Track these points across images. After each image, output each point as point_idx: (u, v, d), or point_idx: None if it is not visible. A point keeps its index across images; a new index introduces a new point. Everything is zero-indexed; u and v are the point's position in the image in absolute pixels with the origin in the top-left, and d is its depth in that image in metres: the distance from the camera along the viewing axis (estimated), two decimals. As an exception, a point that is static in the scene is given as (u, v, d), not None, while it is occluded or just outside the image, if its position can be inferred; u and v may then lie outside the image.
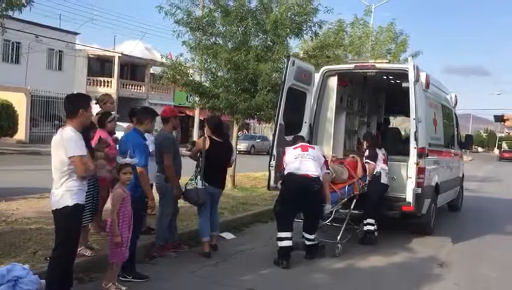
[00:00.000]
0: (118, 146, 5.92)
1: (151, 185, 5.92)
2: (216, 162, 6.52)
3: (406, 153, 7.83)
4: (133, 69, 40.23)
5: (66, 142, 4.15)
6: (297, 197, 6.56)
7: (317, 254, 6.75)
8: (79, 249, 4.96)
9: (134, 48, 37.14)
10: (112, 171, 6.08)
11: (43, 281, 4.45)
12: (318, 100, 8.81)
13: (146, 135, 5.68)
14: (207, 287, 5.51)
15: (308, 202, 6.60)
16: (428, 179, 8.14)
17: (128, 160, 4.95)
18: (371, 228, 7.70)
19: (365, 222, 7.74)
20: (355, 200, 7.65)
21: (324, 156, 7.19)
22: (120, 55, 36.64)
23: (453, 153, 10.80)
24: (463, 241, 8.57)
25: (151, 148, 5.96)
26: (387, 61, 10.41)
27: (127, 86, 37.67)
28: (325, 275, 6.23)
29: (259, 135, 41.43)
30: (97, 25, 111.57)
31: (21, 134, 27.11)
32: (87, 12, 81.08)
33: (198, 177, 6.35)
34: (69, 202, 4.18)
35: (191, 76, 12.55)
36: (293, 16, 11.32)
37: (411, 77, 7.64)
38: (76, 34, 33.78)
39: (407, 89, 7.71)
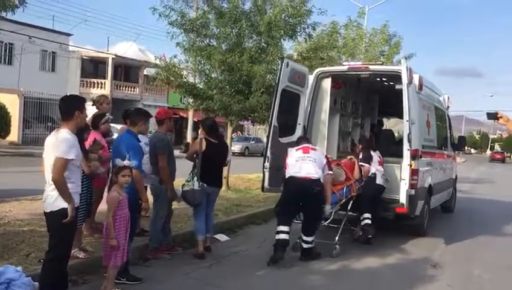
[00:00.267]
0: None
1: (146, 187, 5.91)
2: (212, 163, 6.60)
3: (400, 155, 7.86)
4: (126, 70, 40.10)
5: (59, 142, 4.12)
6: (298, 199, 6.70)
7: (312, 257, 6.76)
8: (72, 251, 4.93)
9: (128, 50, 37.12)
10: (105, 173, 6.08)
11: (36, 283, 4.43)
12: (312, 102, 8.82)
13: (140, 136, 5.67)
14: (201, 289, 5.50)
15: (308, 204, 6.68)
16: (422, 181, 8.17)
17: (127, 162, 4.95)
18: (368, 221, 7.66)
19: (361, 217, 7.73)
20: (351, 202, 7.68)
21: (327, 157, 7.23)
22: (114, 56, 36.53)
23: (446, 154, 10.85)
24: (456, 242, 8.61)
25: (145, 149, 5.95)
26: (380, 63, 10.46)
27: (121, 88, 37.55)
28: (319, 276, 6.24)
29: (253, 137, 41.45)
30: (91, 26, 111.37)
31: (14, 135, 26.96)
32: (81, 13, 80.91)
33: (195, 178, 6.38)
34: (63, 204, 4.14)
35: (185, 78, 12.54)
36: (287, 18, 11.35)
37: (404, 79, 7.67)
38: (69, 35, 33.65)
39: (401, 91, 7.74)
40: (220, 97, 11.26)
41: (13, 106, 26.70)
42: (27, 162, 16.88)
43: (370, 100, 11.73)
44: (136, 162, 5.06)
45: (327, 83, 9.02)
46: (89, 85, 35.43)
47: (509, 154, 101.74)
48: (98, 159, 5.90)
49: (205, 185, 6.46)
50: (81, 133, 5.00)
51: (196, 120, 32.62)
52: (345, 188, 7.57)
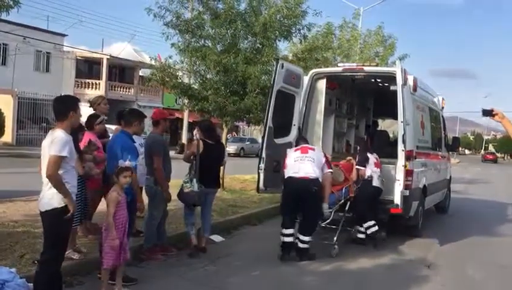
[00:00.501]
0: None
1: (141, 188, 5.91)
2: (210, 164, 6.67)
3: (394, 156, 7.89)
4: (121, 71, 39.98)
5: (54, 140, 4.13)
6: (297, 198, 6.80)
7: (307, 257, 6.77)
8: (67, 252, 4.92)
9: (123, 50, 36.90)
10: (100, 174, 6.06)
11: (31, 284, 4.41)
12: (307, 103, 8.85)
13: (135, 137, 5.66)
14: (196, 290, 5.50)
15: (306, 203, 6.76)
16: (416, 182, 8.20)
17: (128, 163, 4.96)
18: (374, 229, 7.71)
19: (365, 225, 7.74)
20: (349, 203, 7.70)
21: (326, 156, 7.25)
22: (108, 57, 36.41)
23: (441, 155, 10.89)
24: (450, 242, 8.64)
25: (140, 150, 5.94)
26: (375, 64, 10.48)
27: (116, 88, 37.44)
28: (314, 276, 6.25)
29: (249, 138, 41.43)
30: (85, 27, 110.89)
31: (8, 136, 26.82)
32: (75, 14, 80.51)
33: (194, 180, 6.41)
34: (58, 203, 4.15)
35: (180, 78, 12.52)
36: (282, 19, 11.36)
37: (399, 80, 7.70)
38: (64, 35, 33.54)
39: (395, 92, 7.77)
40: (215, 98, 11.26)
41: (7, 107, 26.57)
42: (21, 163, 16.79)
43: (365, 101, 11.77)
44: (134, 162, 5.06)
45: (322, 84, 9.05)
46: (83, 86, 35.33)
47: (503, 155, 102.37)
48: (92, 160, 5.88)
49: (203, 186, 6.51)
50: (75, 134, 4.99)
51: (191, 121, 32.64)
52: (343, 189, 7.64)
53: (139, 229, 6.85)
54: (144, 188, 6.40)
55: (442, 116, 11.54)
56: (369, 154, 8.02)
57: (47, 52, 32.04)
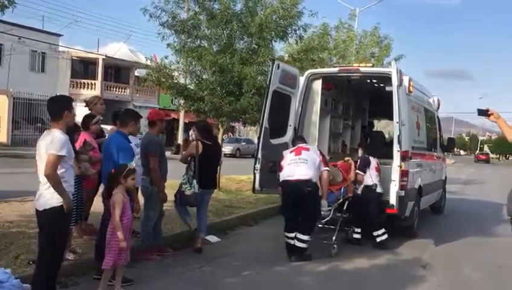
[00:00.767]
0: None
1: (137, 189, 5.89)
2: (208, 164, 6.71)
3: (390, 156, 7.90)
4: (117, 71, 39.91)
5: (52, 140, 4.14)
6: (294, 200, 6.86)
7: (303, 258, 6.78)
8: (62, 253, 4.90)
9: (119, 50, 36.83)
10: (96, 174, 6.05)
11: (26, 285, 4.40)
12: (303, 103, 8.86)
13: (131, 137, 5.65)
14: (192, 290, 5.50)
15: (302, 204, 6.79)
16: (412, 182, 8.22)
17: (134, 165, 4.98)
18: (383, 238, 7.79)
19: (375, 233, 7.80)
20: (347, 202, 7.73)
21: (322, 154, 7.28)
22: (104, 57, 36.33)
23: (436, 156, 10.93)
24: (445, 243, 8.67)
25: (136, 150, 5.93)
26: (371, 65, 10.50)
27: (111, 89, 37.37)
28: (310, 277, 6.25)
29: (245, 138, 41.40)
30: (81, 27, 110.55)
31: (3, 136, 26.73)
32: (71, 14, 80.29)
33: (194, 181, 6.45)
34: (56, 202, 4.16)
35: (176, 79, 12.51)
36: (278, 19, 11.37)
37: (394, 80, 7.72)
38: (59, 35, 33.41)
39: (391, 92, 7.79)
40: (211, 98, 11.26)
41: (2, 107, 26.49)
42: (16, 164, 16.74)
43: (360, 102, 11.79)
44: (133, 164, 5.08)
45: (318, 85, 9.06)
46: (79, 86, 35.24)
47: (498, 156, 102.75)
48: (88, 160, 5.87)
49: (200, 187, 6.55)
50: (71, 134, 4.98)
51: (187, 121, 32.60)
52: (342, 189, 7.70)
53: (135, 230, 6.83)
54: (139, 188, 6.39)
55: (438, 117, 11.57)
56: (371, 158, 8.03)
57: (42, 52, 31.92)
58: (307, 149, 7.08)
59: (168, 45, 11.55)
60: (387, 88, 8.06)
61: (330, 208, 7.28)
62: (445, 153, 12.67)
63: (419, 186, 8.81)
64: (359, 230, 7.94)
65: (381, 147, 9.43)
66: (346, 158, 8.62)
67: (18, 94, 27.53)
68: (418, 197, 8.82)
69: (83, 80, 35.80)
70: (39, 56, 32.06)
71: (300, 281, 6.08)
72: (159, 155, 6.24)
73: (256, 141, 10.33)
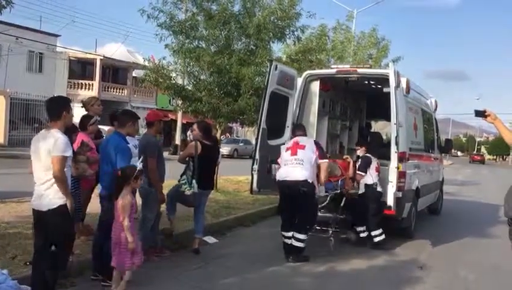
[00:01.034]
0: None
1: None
2: (207, 165, 6.72)
3: (388, 158, 7.92)
4: (115, 72, 39.85)
5: (56, 141, 4.17)
6: (289, 201, 6.93)
7: (300, 259, 6.78)
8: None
9: (117, 51, 36.79)
10: (93, 174, 6.04)
11: (23, 286, 4.40)
12: (300, 104, 8.86)
13: (129, 138, 5.64)
14: (189, 291, 5.49)
15: (299, 204, 6.83)
16: (409, 183, 8.23)
17: (140, 165, 5.01)
18: (380, 238, 7.84)
19: (373, 234, 7.85)
20: (344, 200, 7.78)
21: (321, 147, 7.30)
22: (102, 57, 36.30)
23: (433, 157, 10.94)
24: (443, 244, 8.69)
25: (134, 151, 5.92)
26: (368, 66, 10.52)
27: (109, 89, 37.32)
28: (307, 278, 6.26)
29: (242, 139, 41.40)
30: (78, 27, 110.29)
31: (0, 137, 26.65)
32: (68, 14, 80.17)
33: (194, 181, 6.45)
34: (61, 201, 4.22)
35: (174, 79, 12.51)
36: (276, 20, 11.39)
37: (392, 82, 7.73)
38: (57, 36, 33.32)
39: (388, 94, 7.80)
40: (208, 99, 11.26)
41: (-1, 107, 26.44)
42: (13, 164, 16.68)
43: (358, 103, 11.80)
44: (141, 165, 5.11)
45: (316, 86, 9.07)
46: (76, 86, 35.18)
47: (495, 157, 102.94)
48: (86, 161, 5.86)
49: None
50: (69, 135, 4.98)
51: (185, 122, 32.59)
52: (340, 181, 7.86)
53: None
54: (137, 189, 6.37)
55: (435, 118, 11.59)
56: (372, 158, 8.05)
57: (40, 53, 31.84)
58: (303, 147, 6.99)
59: (166, 45, 11.55)
60: (385, 89, 8.07)
61: (328, 194, 7.41)
62: (443, 154, 12.69)
63: (417, 187, 8.82)
64: (363, 228, 7.95)
65: (379, 148, 9.46)
66: (344, 156, 8.69)
67: (15, 94, 27.47)
68: (415, 199, 8.84)
69: (80, 81, 35.73)
70: (36, 56, 31.98)
71: (298, 282, 6.08)
72: (157, 156, 6.23)
73: (254, 141, 10.33)
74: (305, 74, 9.16)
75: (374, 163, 8.02)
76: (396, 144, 7.58)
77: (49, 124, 4.43)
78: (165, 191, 6.39)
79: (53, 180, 4.17)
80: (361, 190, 7.98)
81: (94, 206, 6.30)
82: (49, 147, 4.16)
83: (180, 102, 12.72)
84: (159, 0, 11.21)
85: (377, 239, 7.83)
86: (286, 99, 8.47)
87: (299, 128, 7.62)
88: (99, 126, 6.68)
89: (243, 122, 12.97)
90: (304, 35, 12.75)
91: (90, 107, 6.62)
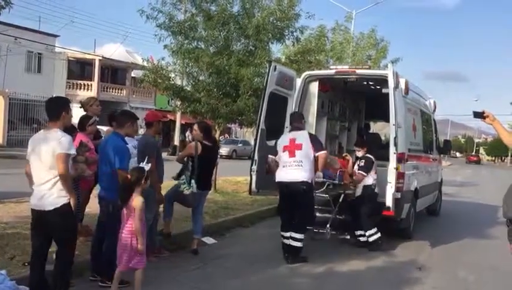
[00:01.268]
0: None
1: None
2: (206, 165, 6.75)
3: (386, 158, 7.92)
4: (113, 72, 39.81)
5: (59, 140, 4.19)
6: (289, 200, 6.95)
7: (298, 260, 6.79)
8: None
9: (115, 51, 36.79)
10: (92, 175, 6.03)
11: (22, 287, 4.39)
12: (299, 105, 8.86)
13: (128, 139, 5.63)
14: (188, 292, 5.49)
15: (298, 203, 6.85)
16: (408, 184, 8.24)
17: (148, 166, 5.03)
18: (376, 236, 7.84)
19: (367, 233, 7.84)
20: (343, 195, 7.82)
21: (316, 138, 7.31)
22: (101, 58, 36.27)
23: (432, 158, 10.95)
24: (441, 244, 8.70)
25: (133, 152, 5.92)
26: (367, 67, 10.54)
27: (108, 90, 37.30)
28: (305, 279, 6.26)
29: (241, 140, 41.38)
30: (77, 28, 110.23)
31: (-2, 137, 26.64)
32: (67, 14, 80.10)
33: (193, 181, 6.46)
34: (64, 200, 4.24)
35: (173, 80, 12.51)
36: (275, 21, 11.38)
37: (391, 83, 7.73)
38: (56, 36, 33.31)
39: (387, 94, 7.80)
40: (207, 100, 11.26)
41: (-2, 108, 26.39)
42: (12, 164, 16.64)
43: (357, 104, 11.80)
44: (149, 165, 5.12)
45: (315, 87, 9.07)
46: (75, 87, 35.13)
47: (493, 158, 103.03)
48: (84, 161, 5.85)
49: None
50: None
51: (184, 123, 32.58)
52: (338, 172, 8.05)
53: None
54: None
55: (434, 119, 11.60)
56: (373, 159, 8.07)
57: (38, 53, 31.81)
58: (300, 147, 6.92)
59: (165, 46, 11.54)
60: (384, 90, 8.07)
61: (325, 180, 7.56)
62: (441, 155, 12.70)
63: (416, 188, 8.83)
64: (362, 232, 7.94)
65: (377, 149, 9.47)
66: (343, 154, 8.73)
67: (14, 95, 27.43)
68: (414, 199, 8.84)
69: (79, 81, 35.68)
70: (35, 57, 31.96)
71: (297, 283, 6.08)
72: (156, 156, 6.23)
73: (252, 142, 10.33)
74: (304, 74, 9.16)
75: (375, 164, 8.04)
76: (395, 144, 7.58)
77: (48, 124, 4.44)
78: (164, 192, 6.38)
79: (56, 179, 4.18)
80: (359, 193, 8.00)
81: (93, 206, 6.30)
82: (52, 146, 4.17)
83: (179, 103, 12.72)
84: (158, 0, 11.23)
85: (371, 238, 7.82)
86: (285, 100, 8.47)
87: (296, 119, 7.37)
88: (98, 126, 6.67)
89: (241, 123, 12.96)
90: (303, 36, 12.76)
91: (89, 107, 6.62)
